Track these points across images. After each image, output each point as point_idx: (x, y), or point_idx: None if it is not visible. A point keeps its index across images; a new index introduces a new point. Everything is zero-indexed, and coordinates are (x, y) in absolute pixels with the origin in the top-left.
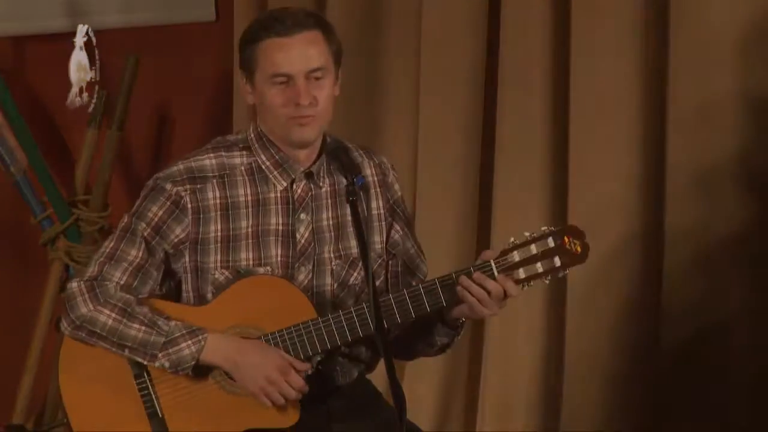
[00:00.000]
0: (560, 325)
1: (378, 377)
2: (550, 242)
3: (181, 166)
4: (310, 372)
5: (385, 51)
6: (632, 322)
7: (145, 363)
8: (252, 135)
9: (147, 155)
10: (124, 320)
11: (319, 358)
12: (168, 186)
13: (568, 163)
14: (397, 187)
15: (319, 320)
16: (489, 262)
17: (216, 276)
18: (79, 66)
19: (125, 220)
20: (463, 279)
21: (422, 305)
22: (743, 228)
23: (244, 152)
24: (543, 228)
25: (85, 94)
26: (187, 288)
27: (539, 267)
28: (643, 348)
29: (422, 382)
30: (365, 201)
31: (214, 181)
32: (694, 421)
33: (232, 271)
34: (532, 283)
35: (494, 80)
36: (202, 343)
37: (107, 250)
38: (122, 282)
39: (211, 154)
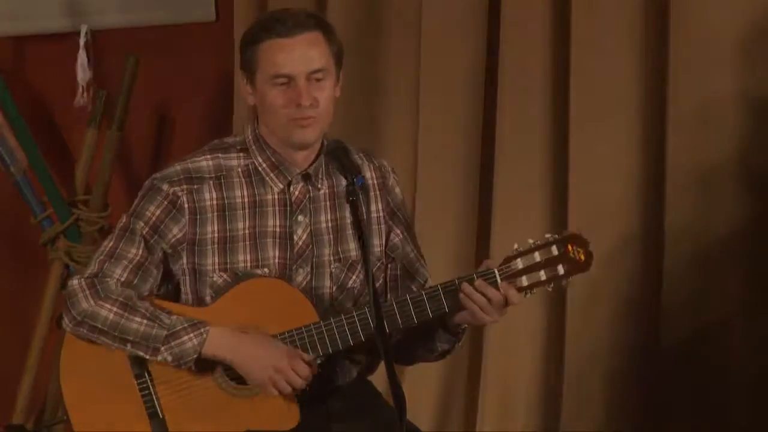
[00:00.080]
0: (560, 325)
1: (378, 377)
2: (554, 250)
3: (178, 167)
4: (318, 362)
5: (385, 51)
6: (632, 322)
7: (148, 357)
8: (250, 137)
9: (147, 155)
10: (126, 314)
11: (319, 361)
12: (165, 186)
13: (568, 163)
14: (398, 190)
15: (321, 323)
16: (492, 269)
17: (214, 279)
18: (83, 66)
19: (123, 220)
20: (465, 286)
21: (425, 311)
22: (743, 228)
23: (242, 154)
24: (547, 235)
25: (85, 94)
26: (186, 290)
27: (542, 275)
28: (643, 348)
29: (422, 382)
30: (365, 202)
31: (211, 182)
32: (694, 421)
33: (230, 274)
34: (534, 291)
35: (494, 80)
36: (204, 335)
37: (107, 249)
38: (123, 279)
39: (208, 156)
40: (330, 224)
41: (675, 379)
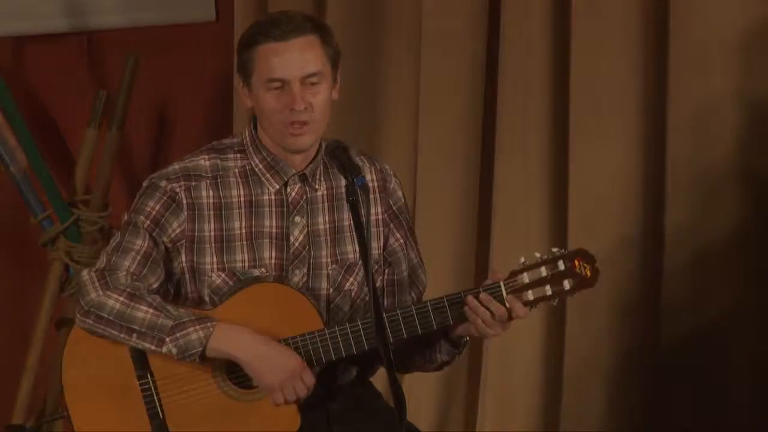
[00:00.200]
0: (560, 325)
1: (378, 378)
2: (560, 265)
3: (176, 166)
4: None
5: (385, 51)
6: (632, 322)
7: (153, 348)
8: (247, 138)
9: (147, 155)
10: (132, 303)
11: (318, 369)
12: (163, 183)
13: (568, 163)
14: (400, 194)
15: (326, 331)
16: (498, 283)
17: (213, 278)
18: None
19: (125, 217)
20: (470, 299)
21: (429, 322)
22: (743, 227)
23: (238, 155)
24: (554, 250)
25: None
26: (186, 290)
27: (548, 289)
28: (642, 348)
29: (422, 382)
30: (365, 203)
31: (208, 181)
32: (694, 421)
33: (228, 274)
34: (539, 305)
35: (494, 80)
36: (211, 329)
37: (114, 244)
38: (132, 270)
39: (205, 156)
40: (328, 226)
41: (675, 379)
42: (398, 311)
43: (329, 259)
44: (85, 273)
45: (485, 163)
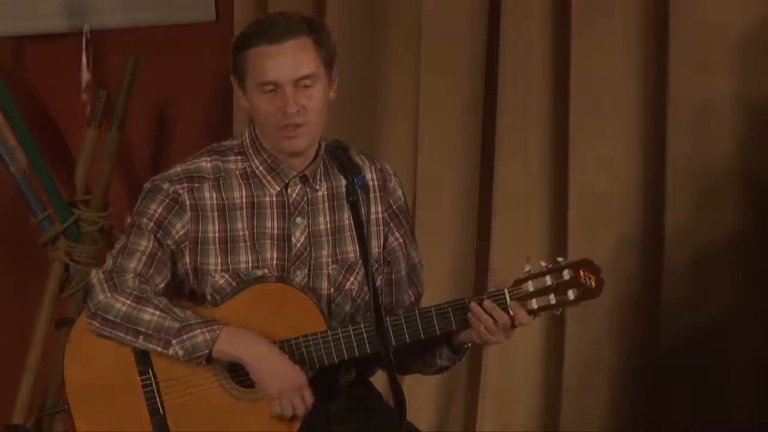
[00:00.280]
0: (560, 326)
1: (378, 378)
2: (566, 275)
3: (179, 168)
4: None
5: (385, 50)
6: (632, 323)
7: (159, 350)
8: (247, 140)
9: (147, 155)
10: (139, 306)
11: (311, 374)
12: (165, 185)
13: (568, 162)
14: (400, 193)
15: (328, 332)
16: (503, 290)
17: (216, 278)
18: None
19: (129, 220)
20: (474, 306)
21: (432, 327)
22: (743, 227)
23: (239, 157)
24: (559, 259)
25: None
26: (188, 289)
27: (552, 298)
28: (643, 348)
29: (422, 382)
30: (365, 202)
31: (210, 182)
32: (694, 421)
33: (231, 274)
34: (543, 314)
35: (494, 80)
36: (217, 332)
37: (119, 246)
38: (138, 270)
39: (207, 158)
40: (329, 226)
41: (675, 379)
42: (402, 315)
43: (329, 259)
44: (93, 275)
45: (485, 163)
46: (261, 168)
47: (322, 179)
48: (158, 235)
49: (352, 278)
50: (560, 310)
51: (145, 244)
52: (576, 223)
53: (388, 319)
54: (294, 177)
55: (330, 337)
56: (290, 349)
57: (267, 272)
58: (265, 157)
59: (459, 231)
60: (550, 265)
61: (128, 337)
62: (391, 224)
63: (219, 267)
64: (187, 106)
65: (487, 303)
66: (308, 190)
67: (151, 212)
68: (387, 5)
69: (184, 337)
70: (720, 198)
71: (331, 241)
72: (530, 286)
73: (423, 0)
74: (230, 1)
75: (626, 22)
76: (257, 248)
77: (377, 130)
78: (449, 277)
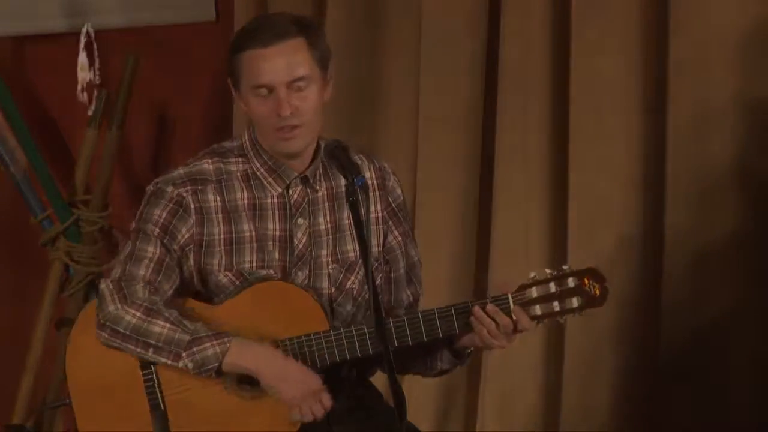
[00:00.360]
0: (560, 325)
1: (378, 378)
2: (570, 282)
3: (182, 171)
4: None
5: (385, 51)
6: (632, 323)
7: (169, 363)
8: (247, 142)
9: (147, 155)
10: (149, 318)
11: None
12: (169, 189)
13: (568, 163)
14: (399, 192)
15: (331, 332)
16: (506, 294)
17: (219, 278)
18: (82, 66)
19: (134, 226)
20: (477, 309)
21: (435, 329)
22: (743, 227)
23: (240, 159)
24: (564, 267)
25: (85, 93)
26: (189, 289)
27: (556, 306)
28: (643, 348)
29: (422, 382)
30: (364, 201)
31: (213, 185)
32: (694, 421)
33: (236, 274)
34: (546, 321)
35: (494, 80)
36: (227, 345)
37: (126, 252)
38: (147, 278)
39: (208, 160)
40: (329, 226)
41: (675, 379)
42: (404, 317)
43: (330, 259)
44: (103, 285)
45: (485, 163)
46: (262, 170)
47: (322, 179)
48: (165, 241)
49: (352, 277)
50: (563, 317)
51: (152, 250)
52: (576, 223)
53: (390, 320)
54: (295, 178)
55: (333, 337)
56: (293, 348)
57: (272, 272)
58: (266, 158)
59: (459, 231)
60: (555, 272)
61: (138, 350)
62: (390, 222)
63: (223, 267)
64: (187, 106)
65: (490, 307)
66: (309, 190)
67: (156, 218)
68: (387, 5)
69: (194, 349)
70: (720, 198)
71: (330, 240)
72: (534, 292)
73: (423, 0)
74: (230, 1)
75: (626, 22)
76: (262, 249)
77: (377, 130)
78: (449, 277)
